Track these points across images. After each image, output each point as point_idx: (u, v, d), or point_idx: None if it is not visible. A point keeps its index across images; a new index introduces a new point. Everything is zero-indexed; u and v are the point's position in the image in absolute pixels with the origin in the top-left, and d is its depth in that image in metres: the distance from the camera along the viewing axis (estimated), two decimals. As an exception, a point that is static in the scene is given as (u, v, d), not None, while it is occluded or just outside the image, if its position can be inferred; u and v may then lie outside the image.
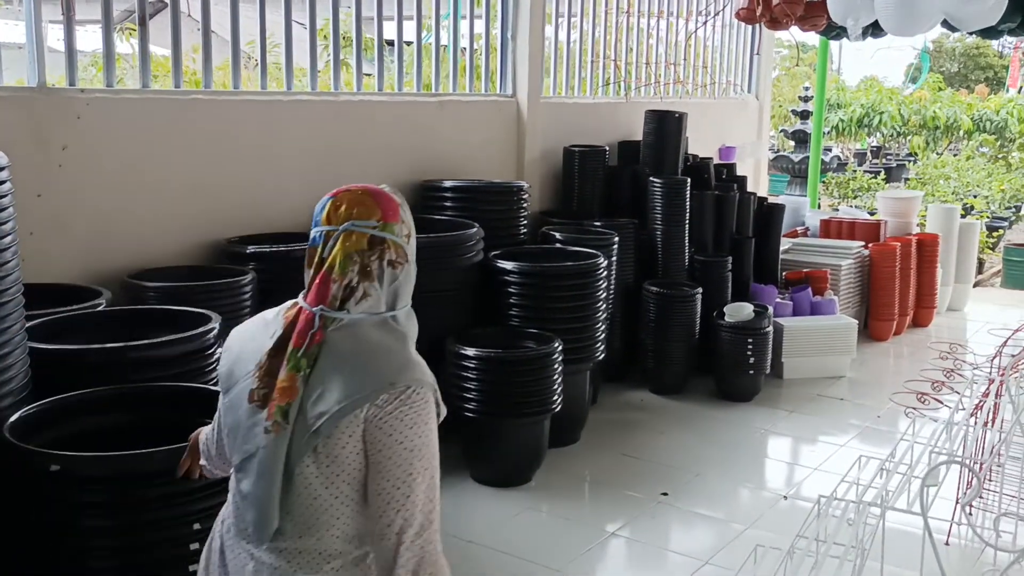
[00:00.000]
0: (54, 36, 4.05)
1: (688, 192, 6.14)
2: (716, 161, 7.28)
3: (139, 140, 4.24)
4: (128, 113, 4.21)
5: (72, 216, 4.05)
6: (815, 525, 2.92)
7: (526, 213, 5.62)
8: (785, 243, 7.26)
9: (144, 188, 4.28)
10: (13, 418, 2.46)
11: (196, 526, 2.32)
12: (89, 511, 2.25)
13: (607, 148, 6.62)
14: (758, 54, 9.07)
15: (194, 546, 2.31)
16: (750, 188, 7.42)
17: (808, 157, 12.30)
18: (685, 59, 8.23)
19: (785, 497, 4.47)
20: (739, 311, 5.78)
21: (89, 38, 6.70)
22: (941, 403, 5.77)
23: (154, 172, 4.30)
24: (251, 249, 4.33)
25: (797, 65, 20.24)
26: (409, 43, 5.81)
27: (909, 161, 18.14)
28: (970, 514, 4.08)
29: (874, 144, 21.14)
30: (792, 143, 13.20)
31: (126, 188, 4.21)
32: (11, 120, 3.81)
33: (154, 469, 2.28)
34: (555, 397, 4.48)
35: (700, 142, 7.47)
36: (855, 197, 13.86)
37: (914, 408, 5.66)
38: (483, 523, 4.08)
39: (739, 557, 3.84)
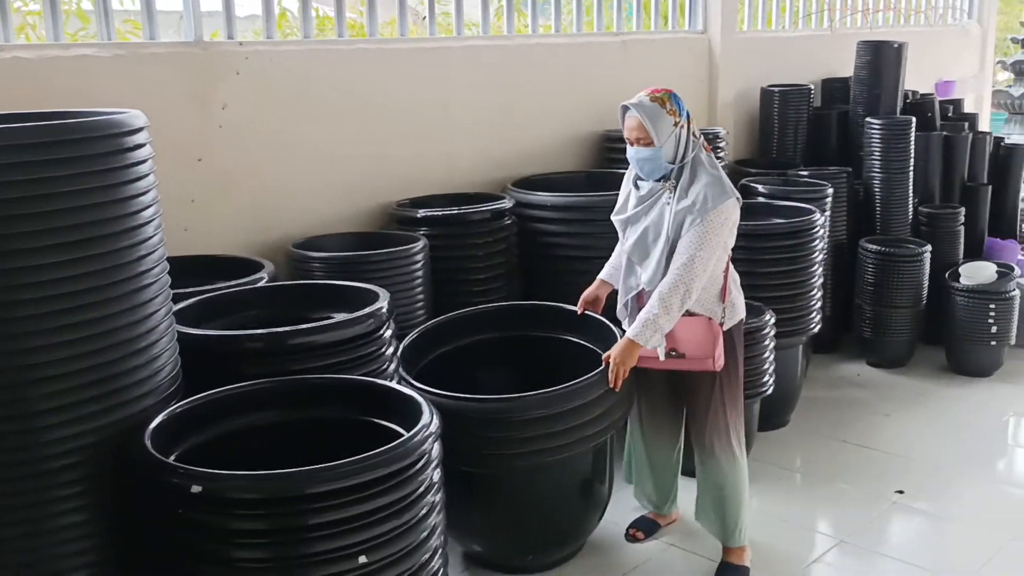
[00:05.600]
0: (211, 2, 3.74)
1: (912, 134, 5.29)
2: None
3: (301, 96, 3.89)
4: (289, 66, 3.86)
5: (234, 181, 3.76)
6: None
7: (723, 164, 4.97)
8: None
9: (307, 148, 3.94)
10: (156, 421, 2.12)
11: (362, 559, 1.91)
12: (237, 540, 1.88)
13: (811, 87, 5.84)
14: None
15: (359, 582, 1.91)
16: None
17: (1032, 91, 10.90)
18: (898, -18, 7.24)
19: (1053, 500, 3.71)
20: (979, 271, 4.93)
21: (247, 4, 6.46)
22: None
23: (318, 130, 3.96)
24: (422, 213, 3.93)
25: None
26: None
27: None
28: None
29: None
30: (1012, 76, 11.73)
31: (289, 148, 3.88)
32: (168, 79, 3.52)
33: (314, 491, 1.88)
34: (766, 378, 3.87)
35: (914, 76, 6.49)
36: (1085, 135, 12.21)
37: None
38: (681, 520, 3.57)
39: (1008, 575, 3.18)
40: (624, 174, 3.20)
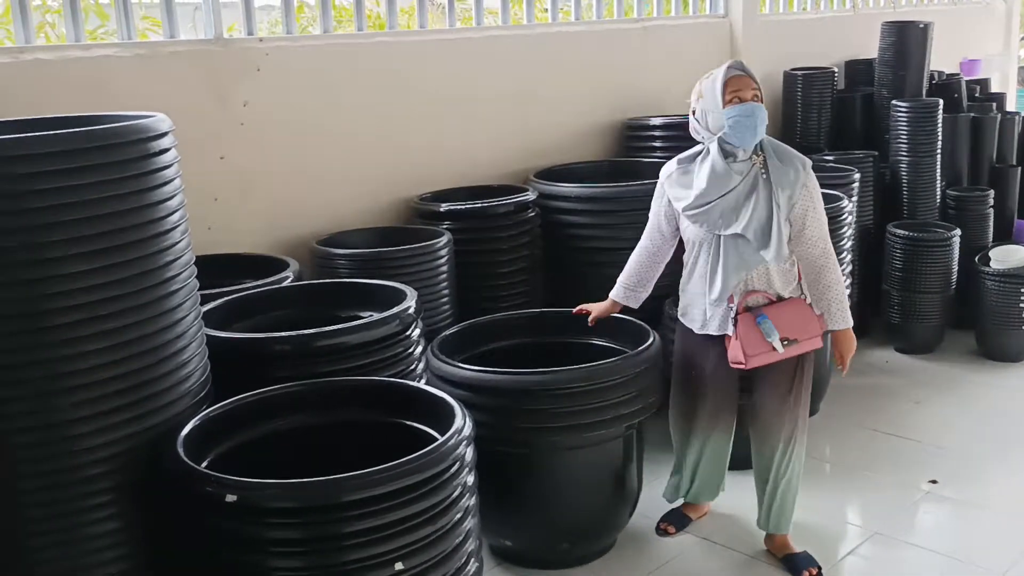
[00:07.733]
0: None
1: (940, 116, 5.21)
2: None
3: (322, 91, 3.87)
4: (310, 62, 3.84)
5: (257, 178, 3.74)
6: None
7: (747, 150, 4.91)
8: (1052, 170, 6.14)
9: (328, 143, 3.92)
10: (188, 428, 2.11)
11: (398, 566, 1.89)
12: (273, 549, 1.87)
13: (835, 69, 5.76)
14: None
15: (396, 588, 1.89)
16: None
17: (1057, 67, 10.73)
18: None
19: (1090, 488, 3.65)
20: (1010, 255, 4.86)
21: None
22: None
23: (338, 125, 3.93)
24: (444, 207, 3.90)
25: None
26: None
27: None
28: None
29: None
30: (1036, 51, 11.55)
31: (310, 144, 3.86)
32: (189, 77, 3.50)
33: (350, 499, 1.86)
34: (796, 367, 3.83)
35: (938, 56, 6.41)
36: (1112, 110, 12.02)
37: None
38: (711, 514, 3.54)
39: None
40: (664, 164, 3.10)
